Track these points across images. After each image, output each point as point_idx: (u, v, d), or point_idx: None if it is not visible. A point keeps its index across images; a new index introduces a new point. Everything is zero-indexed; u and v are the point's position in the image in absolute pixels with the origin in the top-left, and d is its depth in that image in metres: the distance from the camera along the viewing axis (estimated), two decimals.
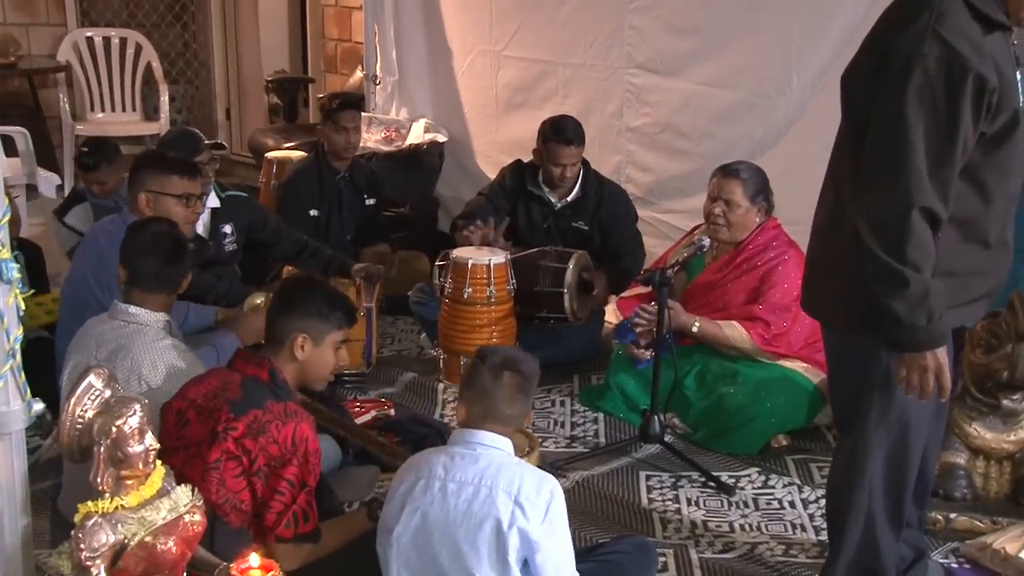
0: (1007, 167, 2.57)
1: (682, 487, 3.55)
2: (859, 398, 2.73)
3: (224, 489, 2.41)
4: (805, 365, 3.77)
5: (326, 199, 4.68)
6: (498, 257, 4.03)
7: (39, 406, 2.14)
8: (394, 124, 5.83)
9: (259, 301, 3.45)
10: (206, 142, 4.24)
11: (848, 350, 2.74)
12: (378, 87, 6.05)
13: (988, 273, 2.70)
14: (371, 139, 5.68)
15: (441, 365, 4.17)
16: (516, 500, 2.36)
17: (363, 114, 5.41)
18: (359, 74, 6.33)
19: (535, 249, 4.22)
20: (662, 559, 3.06)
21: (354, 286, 4.12)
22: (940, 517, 3.31)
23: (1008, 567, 3.08)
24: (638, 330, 3.81)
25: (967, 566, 3.16)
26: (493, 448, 2.40)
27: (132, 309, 2.82)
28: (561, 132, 4.25)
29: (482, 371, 2.40)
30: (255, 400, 2.46)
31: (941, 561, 3.16)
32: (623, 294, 4.33)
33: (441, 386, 4.12)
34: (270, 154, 5.62)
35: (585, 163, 4.38)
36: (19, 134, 5.09)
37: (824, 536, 3.17)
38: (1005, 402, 3.39)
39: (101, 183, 4.30)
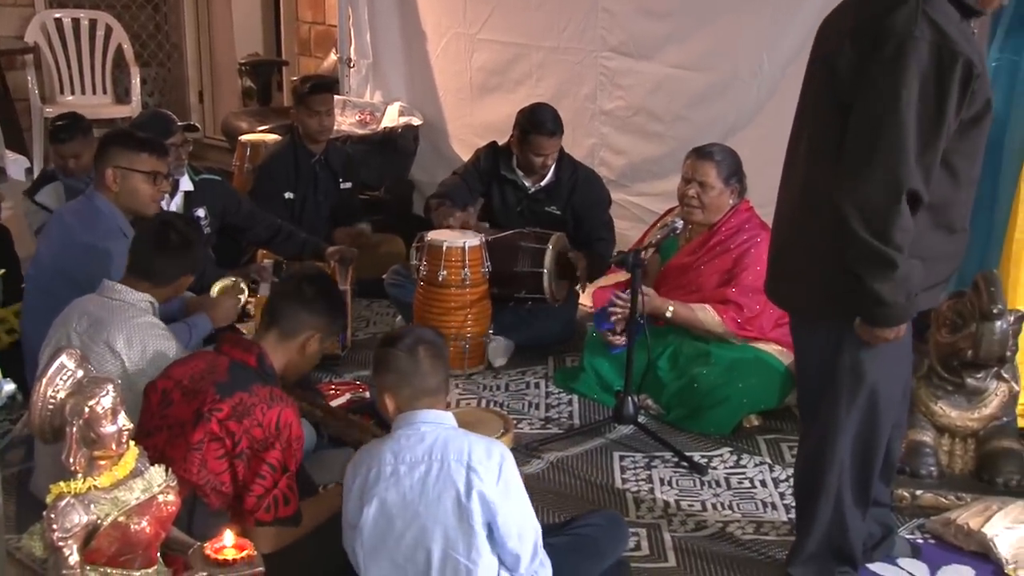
0: (975, 154, 2.63)
1: (655, 467, 3.59)
2: (829, 381, 2.77)
3: (206, 470, 2.44)
4: (778, 347, 3.82)
5: (301, 182, 4.70)
6: (473, 239, 4.07)
7: (10, 386, 2.16)
8: (368, 107, 5.85)
9: (227, 283, 3.47)
10: (179, 124, 4.23)
11: (818, 334, 2.77)
12: (352, 70, 6.08)
13: (951, 258, 2.76)
14: (345, 122, 5.70)
15: None
16: (468, 466, 2.40)
17: (337, 97, 5.42)
18: (333, 57, 6.34)
19: (512, 231, 4.26)
20: (635, 538, 3.11)
21: (328, 269, 4.14)
22: (907, 494, 3.37)
23: (971, 541, 3.15)
24: (614, 317, 3.86)
25: (932, 542, 3.23)
26: (436, 424, 2.44)
27: (118, 287, 2.87)
28: (541, 124, 4.29)
29: (396, 355, 2.46)
30: (242, 383, 2.50)
31: (907, 537, 3.22)
32: (599, 281, 4.36)
33: None
34: (244, 137, 5.64)
35: (559, 148, 4.41)
36: None
37: (794, 514, 3.19)
38: (969, 380, 3.46)
39: (76, 156, 4.27)
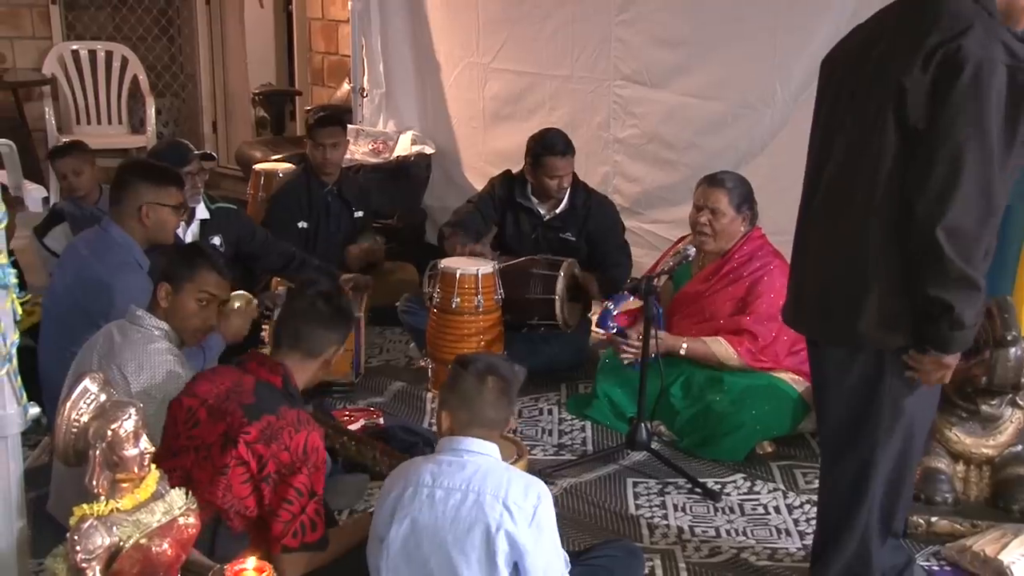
0: (1017, 174, 2.65)
1: (669, 493, 3.59)
2: (865, 414, 2.75)
3: (230, 495, 2.45)
4: (791, 375, 3.81)
5: (315, 212, 4.74)
6: (486, 267, 4.10)
7: (35, 410, 2.19)
8: (381, 136, 5.91)
9: (238, 304, 3.50)
10: (195, 152, 4.29)
11: (857, 366, 2.74)
12: (365, 99, 6.13)
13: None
14: (358, 151, 5.76)
15: (430, 374, 4.22)
16: (504, 504, 2.38)
17: (350, 127, 5.49)
18: (346, 87, 6.41)
19: (525, 258, 4.29)
20: (649, 564, 3.09)
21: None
22: (922, 521, 3.36)
23: (987, 569, 3.14)
24: (626, 362, 3.89)
25: (948, 568, 3.21)
26: (480, 454, 2.43)
27: (139, 312, 2.90)
28: (553, 146, 4.34)
29: (465, 377, 2.44)
30: (269, 406, 2.50)
31: (923, 564, 3.20)
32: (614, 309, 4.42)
33: (429, 395, 4.18)
34: (258, 166, 5.70)
35: (573, 175, 4.45)
36: (5, 147, 5.14)
37: (808, 540, 3.21)
38: (984, 407, 3.45)
39: (77, 172, 4.37)
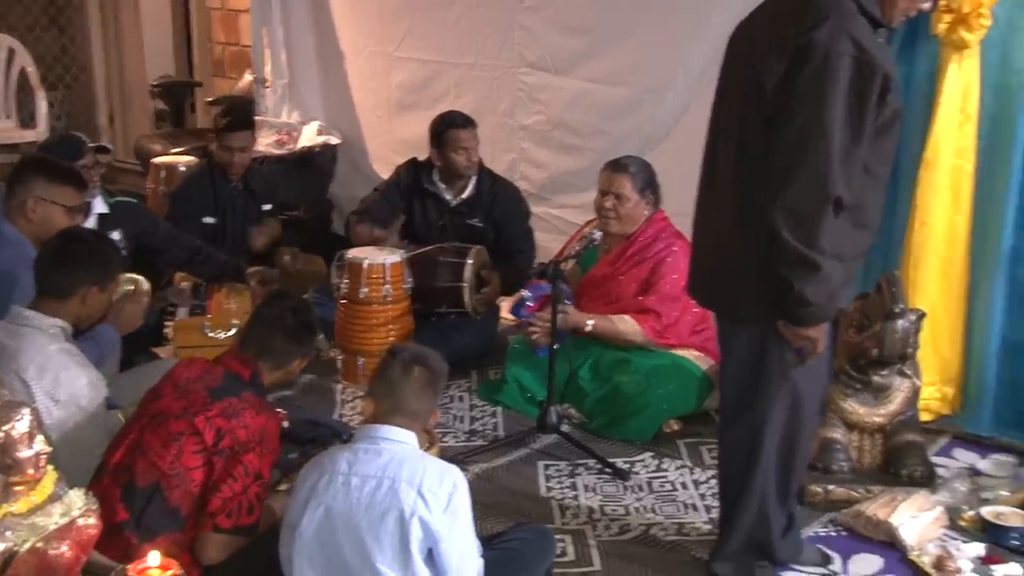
0: (888, 157, 2.83)
1: (579, 474, 3.73)
2: (755, 381, 2.93)
3: (179, 463, 2.56)
4: (695, 353, 4.01)
5: (221, 207, 4.79)
6: (393, 256, 4.22)
7: None
8: (285, 127, 5.99)
9: (127, 288, 3.52)
10: (89, 145, 4.30)
11: (744, 338, 2.93)
12: (268, 90, 6.18)
13: (861, 254, 2.95)
14: (263, 143, 5.82)
15: (339, 366, 4.31)
16: (419, 491, 2.45)
17: (254, 118, 5.50)
18: (248, 77, 6.44)
19: (433, 246, 4.42)
20: (561, 544, 3.22)
21: (248, 290, 4.26)
22: (820, 490, 3.55)
23: (879, 531, 3.36)
24: (534, 336, 4.02)
25: (844, 534, 3.41)
26: (397, 442, 2.50)
27: (27, 313, 2.89)
28: (453, 120, 4.52)
29: (392, 366, 2.54)
30: (234, 390, 2.65)
31: (820, 531, 3.41)
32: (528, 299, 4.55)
33: (339, 387, 4.27)
34: (157, 159, 5.72)
35: (480, 163, 4.59)
36: None
37: (715, 514, 3.38)
38: (876, 378, 3.68)
39: None
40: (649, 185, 4.02)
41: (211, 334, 4.03)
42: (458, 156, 4.46)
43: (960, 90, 3.86)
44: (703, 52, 4.36)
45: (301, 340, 2.86)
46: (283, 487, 3.00)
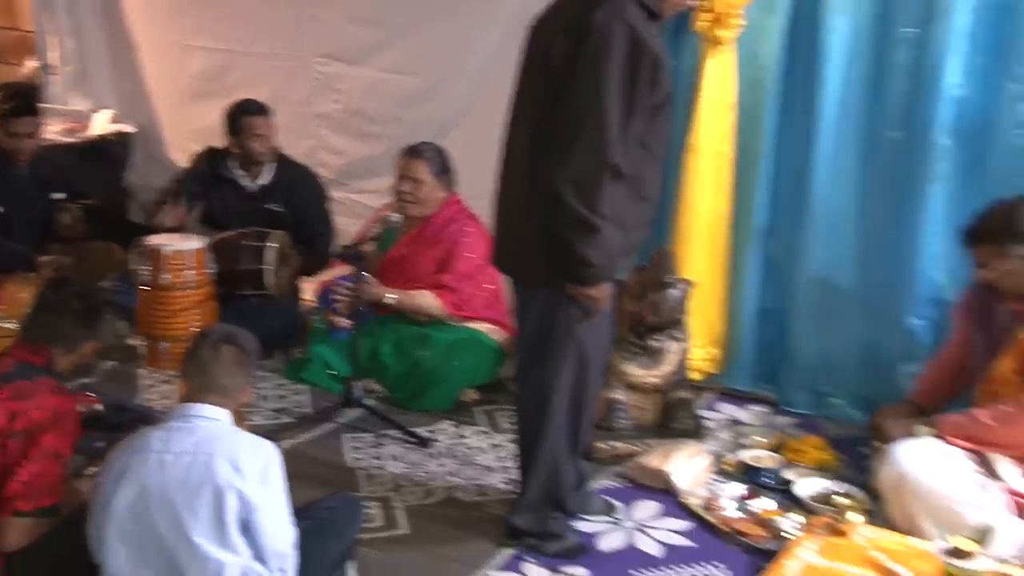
0: (662, 135, 3.05)
1: (384, 445, 3.87)
2: (546, 340, 3.10)
3: None
4: (489, 326, 4.23)
5: (8, 196, 4.69)
6: (194, 242, 4.33)
7: None
8: (75, 115, 5.87)
9: None
10: None
11: (536, 301, 3.10)
12: (55, 77, 6.04)
13: (645, 225, 3.17)
14: (51, 130, 5.68)
15: (143, 352, 4.35)
16: (234, 465, 2.49)
17: (40, 105, 5.39)
18: (34, 63, 6.27)
19: (234, 231, 4.51)
20: (369, 511, 3.36)
21: (41, 279, 4.20)
22: (606, 446, 3.78)
23: (656, 479, 3.61)
24: (337, 303, 4.18)
25: (629, 485, 3.65)
26: (210, 419, 2.55)
27: None
28: (248, 107, 4.64)
29: (202, 346, 2.62)
30: (26, 374, 2.66)
31: (606, 484, 3.64)
32: (322, 275, 4.65)
33: (142, 372, 4.30)
34: None
35: (279, 150, 4.70)
36: None
37: (512, 475, 3.58)
38: (651, 342, 3.96)
39: None
40: (444, 169, 4.22)
41: (4, 324, 3.98)
42: (254, 143, 4.57)
43: (718, 82, 4.16)
44: (491, 43, 4.58)
45: (88, 323, 2.87)
46: (90, 471, 3.01)
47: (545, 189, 2.90)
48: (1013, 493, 3.34)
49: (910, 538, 3.27)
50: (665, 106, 3.01)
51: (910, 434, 3.49)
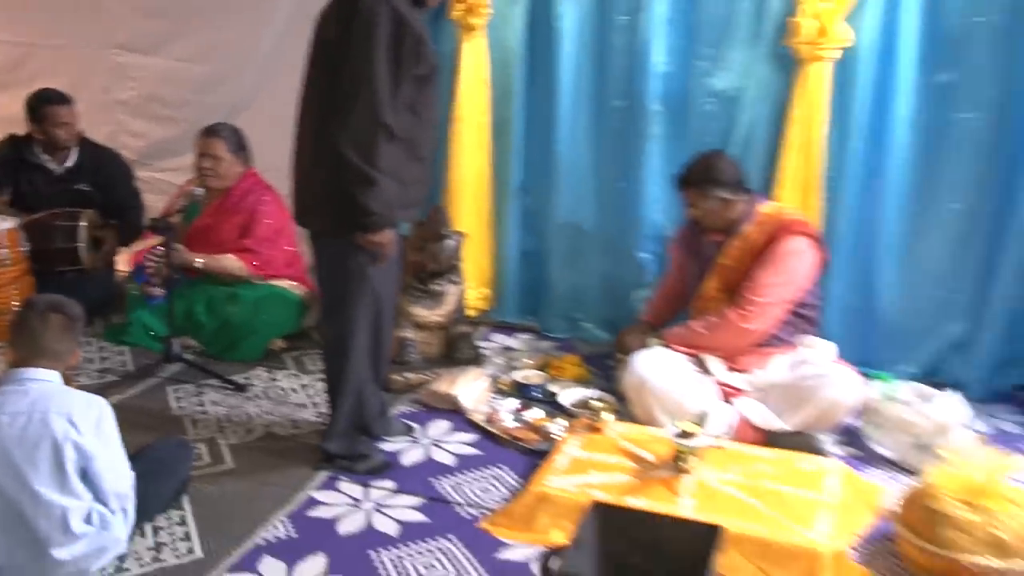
0: (431, 103, 3.15)
1: (204, 393, 3.91)
2: (343, 285, 3.16)
3: None
4: (290, 283, 4.33)
5: None
6: (6, 223, 4.22)
7: None
8: None
9: None
10: None
11: (331, 251, 3.16)
12: None
13: (423, 183, 3.25)
14: None
15: None
16: (68, 419, 2.52)
17: None
18: None
19: (45, 212, 4.41)
20: (197, 451, 3.41)
21: None
22: (400, 378, 3.93)
23: (446, 402, 3.79)
24: (149, 271, 4.18)
25: (423, 409, 3.80)
26: (43, 381, 2.56)
27: None
28: (49, 97, 4.52)
29: (30, 316, 2.61)
30: None
31: (404, 409, 3.78)
32: (135, 246, 4.63)
33: None
34: None
35: (82, 134, 4.60)
36: None
37: (321, 409, 3.69)
38: (433, 287, 4.14)
39: None
40: (240, 147, 4.28)
41: None
42: (57, 130, 4.48)
43: (474, 63, 4.33)
44: (275, 33, 4.67)
45: None
46: None
47: (329, 149, 2.95)
48: (721, 384, 3.61)
49: (649, 428, 3.51)
50: (431, 78, 3.09)
51: (645, 346, 3.73)
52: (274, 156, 3.90)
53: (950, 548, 2.75)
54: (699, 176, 3.68)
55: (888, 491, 3.29)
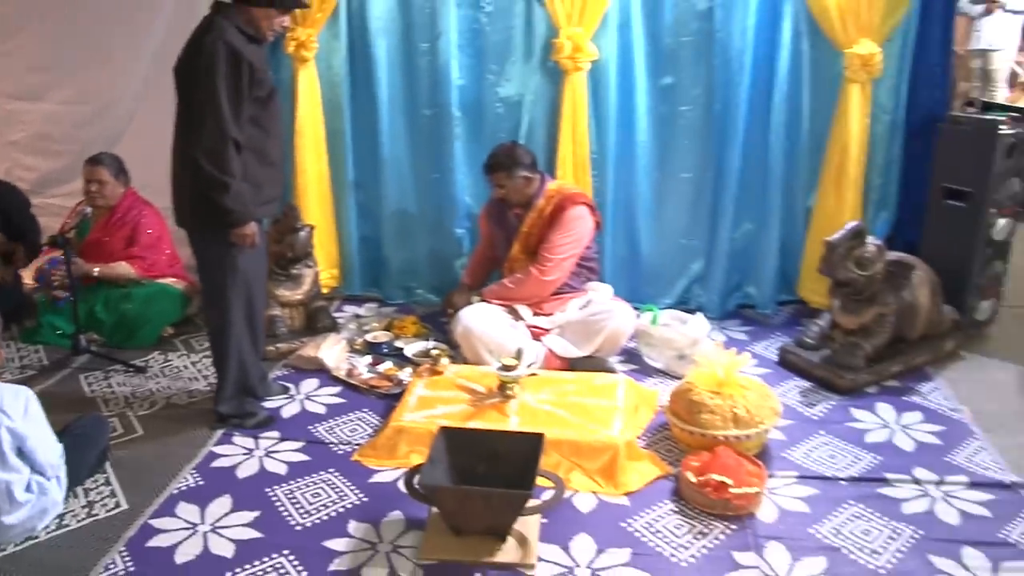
0: (275, 118, 3.25)
1: (112, 377, 3.94)
2: (219, 273, 3.21)
3: None
4: (173, 280, 4.45)
5: None
6: None
7: None
8: None
9: None
10: None
11: (204, 244, 3.21)
12: None
13: (275, 183, 3.30)
14: None
15: None
16: (1, 409, 2.58)
17: None
18: None
19: None
20: (112, 423, 3.48)
21: None
22: (273, 348, 4.06)
23: (313, 363, 3.92)
24: (55, 282, 4.21)
25: (294, 371, 3.90)
26: None
27: None
28: None
29: None
30: None
31: (280, 373, 3.88)
32: (37, 261, 4.63)
33: None
34: None
35: None
36: None
37: (211, 380, 3.75)
38: (293, 271, 4.26)
39: None
40: (120, 170, 4.34)
41: None
42: None
43: (308, 86, 4.40)
44: (141, 76, 4.68)
45: None
46: None
47: (191, 162, 3.01)
48: (530, 326, 3.88)
49: (479, 367, 3.72)
50: (271, 98, 3.17)
51: (468, 303, 3.96)
52: (147, 176, 4.11)
53: (706, 427, 3.16)
54: (505, 161, 3.91)
55: (661, 393, 3.65)
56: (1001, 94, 7.38)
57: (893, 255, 3.89)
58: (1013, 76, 7.58)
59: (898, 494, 3.07)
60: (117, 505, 2.99)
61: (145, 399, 3.75)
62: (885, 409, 3.67)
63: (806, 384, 3.89)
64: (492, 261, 4.27)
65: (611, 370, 3.80)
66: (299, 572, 2.69)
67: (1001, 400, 3.77)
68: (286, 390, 3.75)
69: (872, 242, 3.76)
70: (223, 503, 3.01)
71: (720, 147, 4.36)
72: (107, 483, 3.12)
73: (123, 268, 4.32)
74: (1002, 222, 4.18)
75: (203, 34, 3.03)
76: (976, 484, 3.11)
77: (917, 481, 3.14)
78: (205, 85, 2.98)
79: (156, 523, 2.91)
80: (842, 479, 3.15)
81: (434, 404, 3.43)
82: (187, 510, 2.97)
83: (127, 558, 2.75)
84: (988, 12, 7.22)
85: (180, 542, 2.82)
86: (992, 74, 7.44)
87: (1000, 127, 3.98)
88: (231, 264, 3.19)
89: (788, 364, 4.03)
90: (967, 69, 7.49)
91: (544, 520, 2.88)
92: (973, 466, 3.23)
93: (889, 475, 3.17)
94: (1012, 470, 3.20)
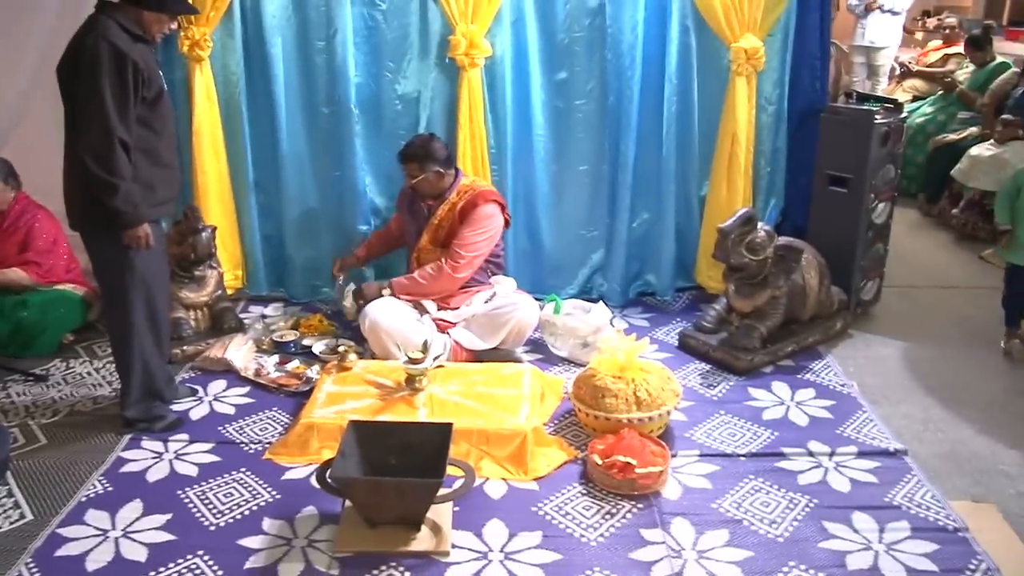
0: (164, 119, 3.23)
1: (11, 387, 3.87)
2: (117, 274, 3.19)
3: None
4: (71, 285, 4.37)
5: None
6: None
7: None
8: None
9: None
10: None
11: (98, 247, 3.20)
12: None
13: (169, 184, 3.30)
14: None
15: None
16: None
17: None
18: None
19: None
20: (12, 434, 3.44)
21: None
22: (179, 351, 4.03)
23: (220, 364, 3.95)
24: None
25: (201, 373, 3.91)
26: None
27: None
28: None
29: None
30: None
31: (187, 375, 3.89)
32: None
33: None
34: None
35: None
36: None
37: (116, 385, 3.70)
38: (196, 273, 4.15)
39: None
40: (10, 174, 4.26)
41: None
42: None
43: (204, 86, 4.31)
44: (24, 80, 4.57)
45: None
46: None
47: (79, 163, 2.99)
48: (435, 320, 3.95)
49: (387, 361, 3.75)
50: (160, 98, 3.15)
51: (378, 296, 3.98)
52: (37, 179, 4.03)
53: (610, 411, 3.28)
54: (418, 152, 3.97)
55: (566, 380, 3.78)
56: (883, 87, 7.88)
57: (782, 240, 4.11)
58: (893, 71, 8.10)
59: (794, 467, 3.28)
60: (21, 516, 2.98)
61: (48, 408, 3.71)
62: (780, 387, 3.90)
63: (705, 366, 4.09)
64: (393, 242, 4.37)
65: (517, 360, 3.91)
66: (215, 572, 2.74)
67: (885, 374, 4.04)
68: (194, 392, 3.75)
69: (763, 228, 3.98)
70: (134, 508, 3.02)
71: (615, 139, 4.51)
72: (9, 495, 3.09)
73: (15, 274, 4.25)
74: (881, 206, 4.44)
75: (85, 33, 3.03)
76: (864, 453, 3.34)
77: (811, 453, 3.35)
78: (88, 85, 2.96)
79: (64, 532, 2.90)
80: (742, 455, 3.34)
81: (343, 400, 3.46)
82: (96, 517, 2.97)
83: (34, 569, 2.74)
84: (868, 10, 7.83)
85: (91, 549, 2.82)
86: (877, 69, 8.04)
87: (875, 117, 4.22)
88: (128, 266, 3.18)
89: (688, 348, 4.22)
90: (850, 63, 7.89)
91: (456, 508, 2.99)
92: (862, 437, 3.47)
93: (785, 449, 3.37)
94: (896, 438, 3.45)
